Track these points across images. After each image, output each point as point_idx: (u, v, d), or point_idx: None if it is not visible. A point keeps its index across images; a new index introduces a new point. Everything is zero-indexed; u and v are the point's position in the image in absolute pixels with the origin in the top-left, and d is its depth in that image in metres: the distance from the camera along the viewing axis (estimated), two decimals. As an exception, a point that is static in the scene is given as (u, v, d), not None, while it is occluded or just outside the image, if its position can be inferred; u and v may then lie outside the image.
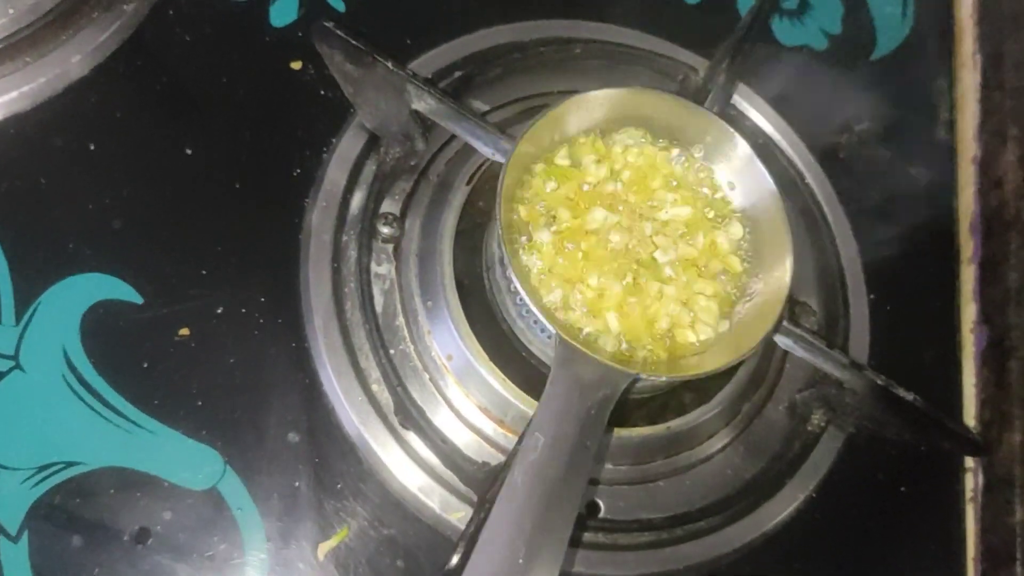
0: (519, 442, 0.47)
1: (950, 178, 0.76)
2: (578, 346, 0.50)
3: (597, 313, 0.54)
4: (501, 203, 0.52)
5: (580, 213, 0.56)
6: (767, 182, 0.57)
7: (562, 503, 0.46)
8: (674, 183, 0.58)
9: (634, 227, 0.56)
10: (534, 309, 0.51)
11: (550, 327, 0.50)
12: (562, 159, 0.57)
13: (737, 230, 0.57)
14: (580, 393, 0.48)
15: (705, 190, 0.59)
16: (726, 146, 0.58)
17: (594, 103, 0.57)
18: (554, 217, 0.55)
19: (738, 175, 0.58)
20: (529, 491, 0.45)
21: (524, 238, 0.55)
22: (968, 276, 0.73)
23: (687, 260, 0.56)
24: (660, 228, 0.57)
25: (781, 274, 0.55)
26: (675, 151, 0.59)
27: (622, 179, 0.57)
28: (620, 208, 0.56)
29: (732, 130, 0.57)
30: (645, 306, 0.55)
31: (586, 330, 0.53)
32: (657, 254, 0.56)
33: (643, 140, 0.59)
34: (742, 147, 0.57)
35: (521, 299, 0.55)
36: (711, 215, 0.58)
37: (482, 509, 0.49)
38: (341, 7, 0.66)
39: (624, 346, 0.54)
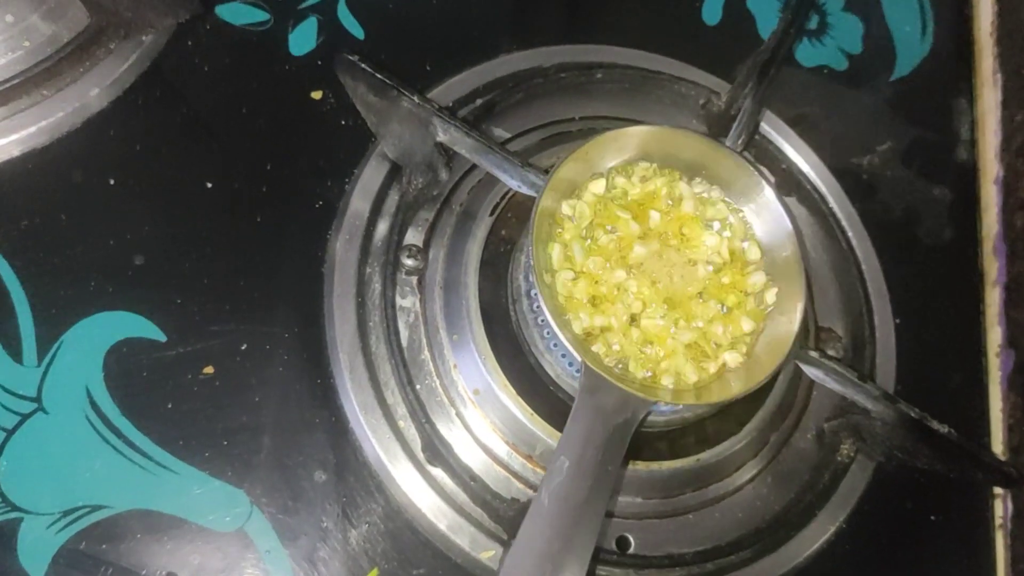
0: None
1: (973, 199, 0.75)
2: (604, 375, 0.50)
3: (622, 341, 0.54)
4: (533, 241, 0.52)
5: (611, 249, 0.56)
6: (785, 223, 0.57)
7: (585, 523, 0.47)
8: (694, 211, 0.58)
9: (663, 257, 0.56)
10: (563, 339, 0.50)
11: (577, 357, 0.50)
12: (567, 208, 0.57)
13: (759, 266, 0.57)
14: (603, 419, 0.49)
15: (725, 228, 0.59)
16: (749, 186, 0.58)
17: (624, 140, 0.57)
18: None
19: (759, 215, 0.58)
20: (555, 511, 0.47)
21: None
22: (993, 299, 0.72)
23: (713, 291, 0.56)
24: (688, 259, 0.57)
25: (793, 311, 0.55)
26: (710, 188, 0.59)
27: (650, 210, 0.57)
28: (651, 240, 0.56)
29: (756, 173, 0.57)
30: (667, 334, 0.55)
31: (609, 359, 0.53)
32: (684, 283, 0.56)
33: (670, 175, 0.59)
34: (766, 191, 0.57)
35: (550, 331, 0.55)
36: (737, 244, 0.58)
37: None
38: (360, 34, 0.65)
39: (647, 374, 0.54)
